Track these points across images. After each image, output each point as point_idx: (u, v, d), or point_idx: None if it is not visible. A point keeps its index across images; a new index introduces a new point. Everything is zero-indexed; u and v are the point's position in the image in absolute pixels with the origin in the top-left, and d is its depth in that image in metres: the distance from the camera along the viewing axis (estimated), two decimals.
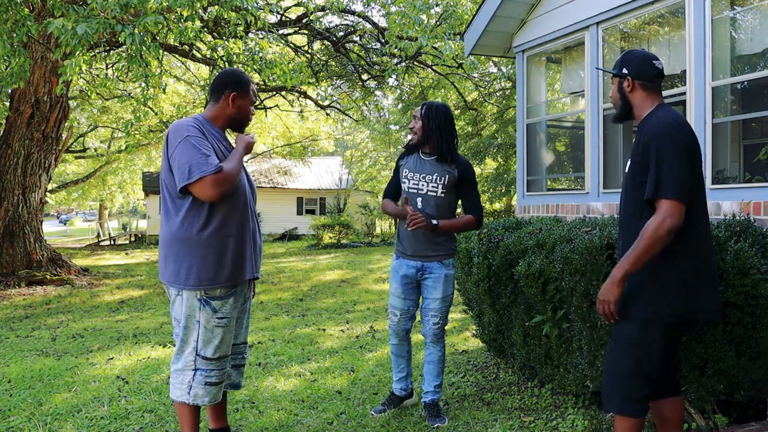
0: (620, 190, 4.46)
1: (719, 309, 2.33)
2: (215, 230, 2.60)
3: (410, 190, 3.46)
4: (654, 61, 2.38)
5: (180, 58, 12.76)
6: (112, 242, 26.88)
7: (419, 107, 3.50)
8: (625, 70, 2.40)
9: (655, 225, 2.15)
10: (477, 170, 22.10)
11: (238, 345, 2.92)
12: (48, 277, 10.71)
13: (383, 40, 11.58)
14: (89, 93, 10.96)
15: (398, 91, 15.94)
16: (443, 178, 3.40)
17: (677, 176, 2.18)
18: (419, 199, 3.42)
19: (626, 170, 2.42)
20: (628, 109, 2.44)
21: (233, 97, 2.74)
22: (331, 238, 19.92)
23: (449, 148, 3.41)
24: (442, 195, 3.40)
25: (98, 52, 10.25)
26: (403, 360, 3.67)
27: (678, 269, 2.23)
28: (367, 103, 15.33)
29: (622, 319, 2.29)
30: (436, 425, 3.39)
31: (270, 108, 15.98)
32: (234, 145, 2.85)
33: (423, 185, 3.42)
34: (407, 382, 3.69)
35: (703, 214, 2.32)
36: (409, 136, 3.51)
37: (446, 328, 5.83)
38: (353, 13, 12.48)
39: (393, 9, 9.89)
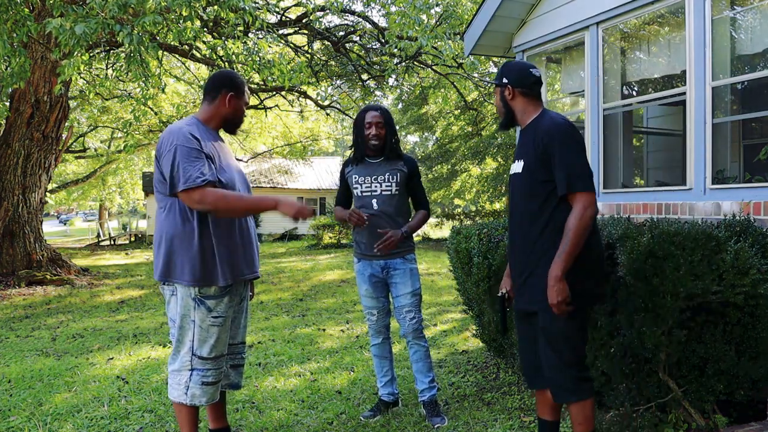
0: (617, 190, 4.48)
1: (604, 294, 2.57)
2: (203, 229, 2.60)
3: (364, 194, 3.48)
4: (531, 70, 2.53)
5: (180, 58, 12.76)
6: (112, 242, 26.88)
7: (374, 113, 3.46)
8: (505, 80, 2.54)
9: (579, 218, 2.31)
10: (477, 170, 22.12)
11: (237, 345, 2.91)
12: (48, 277, 10.70)
13: (383, 40, 11.57)
14: (88, 93, 10.96)
15: (398, 91, 15.93)
16: (395, 176, 3.46)
17: (587, 168, 2.38)
18: (374, 201, 3.45)
19: (516, 171, 2.55)
20: (511, 116, 2.59)
21: (230, 98, 2.76)
22: (331, 238, 19.92)
23: (398, 147, 3.56)
24: (397, 193, 3.46)
25: (98, 52, 10.24)
26: (386, 361, 3.67)
27: (589, 257, 2.41)
28: (367, 103, 15.32)
29: (548, 312, 2.39)
30: (436, 426, 3.38)
31: (270, 108, 15.97)
32: (227, 145, 2.85)
33: (376, 186, 3.46)
34: (393, 386, 3.69)
35: None
36: (372, 142, 3.44)
37: (446, 328, 5.83)
38: (353, 13, 12.48)
39: (393, 9, 9.89)
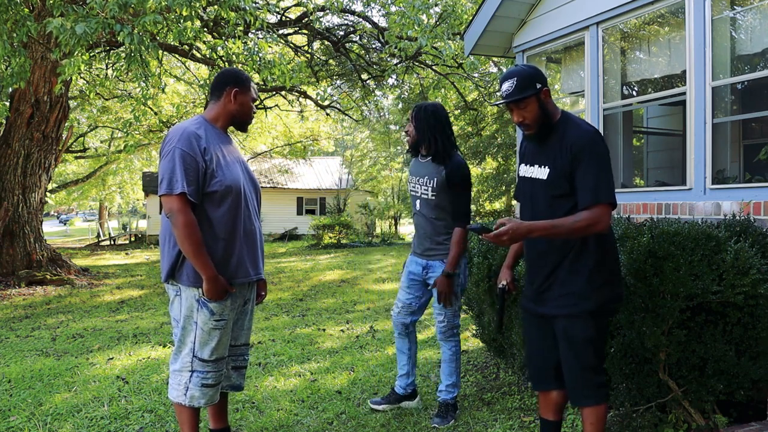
0: (617, 190, 4.47)
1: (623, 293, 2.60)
2: (207, 230, 2.60)
3: (412, 193, 3.57)
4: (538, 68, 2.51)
5: (180, 58, 12.75)
6: (112, 242, 26.90)
7: (411, 111, 3.55)
8: (538, 85, 2.41)
9: (588, 223, 2.28)
10: (477, 170, 22.07)
11: (239, 347, 2.90)
12: (48, 277, 10.70)
13: (383, 40, 11.57)
14: (88, 93, 10.96)
15: (398, 91, 15.92)
16: (432, 181, 3.42)
17: (612, 181, 2.34)
18: (418, 202, 3.51)
19: (540, 177, 2.47)
20: (549, 120, 2.46)
21: (235, 93, 2.75)
22: (331, 238, 19.92)
23: (444, 148, 3.40)
24: (434, 197, 3.43)
25: (98, 52, 10.24)
26: (404, 356, 3.69)
27: (612, 259, 2.45)
28: (367, 102, 15.32)
29: (574, 318, 2.40)
30: (433, 425, 3.40)
31: (270, 108, 15.97)
32: (235, 145, 2.85)
33: (418, 188, 3.49)
34: (408, 380, 3.71)
35: None
36: (405, 139, 3.59)
37: None
38: (353, 13, 12.47)
39: (393, 9, 9.89)
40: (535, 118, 2.44)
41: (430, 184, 3.43)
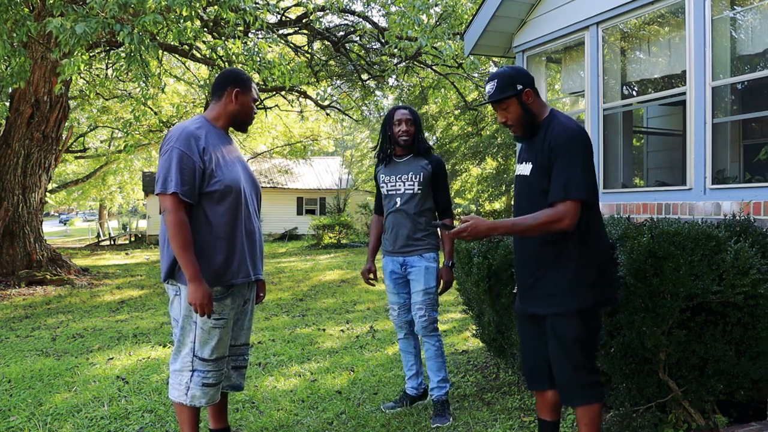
0: (617, 190, 4.48)
1: (618, 296, 2.61)
2: (207, 230, 2.61)
3: (389, 192, 3.59)
4: (525, 69, 2.54)
5: (180, 58, 12.76)
6: (112, 242, 26.90)
7: (403, 111, 3.57)
8: (519, 86, 2.45)
9: (550, 220, 2.29)
10: (477, 170, 22.10)
11: (239, 347, 2.91)
12: (48, 277, 10.70)
13: (383, 40, 11.57)
14: (88, 93, 10.96)
15: (398, 91, 15.92)
16: (418, 175, 3.52)
17: (586, 177, 2.33)
18: (398, 199, 3.55)
19: (524, 173, 2.52)
20: (533, 120, 2.49)
21: (236, 93, 2.76)
22: (331, 238, 19.93)
23: (428, 145, 3.62)
24: (419, 191, 3.51)
25: (98, 52, 10.24)
26: (411, 356, 3.72)
27: (599, 260, 2.43)
28: (367, 103, 15.31)
29: (561, 317, 2.40)
30: (435, 425, 3.39)
31: (270, 108, 15.97)
32: (235, 145, 2.86)
33: (400, 185, 3.55)
34: (418, 380, 3.74)
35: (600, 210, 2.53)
36: (403, 138, 3.54)
37: (446, 328, 5.83)
38: (353, 13, 12.47)
39: (393, 9, 9.90)
40: (517, 118, 2.49)
41: (416, 178, 3.51)
